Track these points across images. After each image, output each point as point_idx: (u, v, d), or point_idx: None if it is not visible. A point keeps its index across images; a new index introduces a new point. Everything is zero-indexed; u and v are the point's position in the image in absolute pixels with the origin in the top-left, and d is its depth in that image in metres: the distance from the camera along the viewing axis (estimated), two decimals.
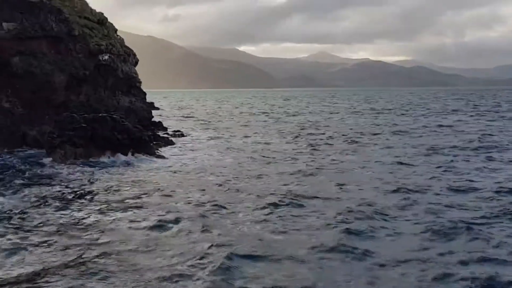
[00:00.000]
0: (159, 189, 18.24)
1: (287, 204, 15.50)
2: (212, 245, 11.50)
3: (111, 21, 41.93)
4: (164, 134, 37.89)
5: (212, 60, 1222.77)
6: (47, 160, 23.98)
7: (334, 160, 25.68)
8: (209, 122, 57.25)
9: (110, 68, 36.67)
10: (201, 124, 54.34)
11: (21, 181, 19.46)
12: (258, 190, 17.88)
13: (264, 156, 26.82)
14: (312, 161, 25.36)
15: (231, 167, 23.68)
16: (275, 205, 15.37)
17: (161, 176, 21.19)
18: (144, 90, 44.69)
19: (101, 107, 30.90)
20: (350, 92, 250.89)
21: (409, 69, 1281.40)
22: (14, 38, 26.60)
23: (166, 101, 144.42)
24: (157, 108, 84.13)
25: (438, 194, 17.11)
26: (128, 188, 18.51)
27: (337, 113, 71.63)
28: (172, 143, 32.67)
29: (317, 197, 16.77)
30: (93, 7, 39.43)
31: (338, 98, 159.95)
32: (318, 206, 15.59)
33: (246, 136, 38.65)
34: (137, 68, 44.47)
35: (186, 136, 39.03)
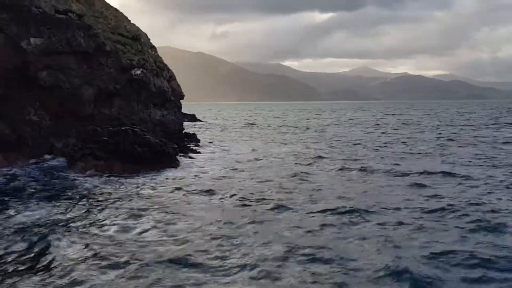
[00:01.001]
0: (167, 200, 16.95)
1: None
2: None
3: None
4: (194, 145, 36.72)
5: (259, 74, 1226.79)
6: (68, 172, 22.96)
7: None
8: (242, 132, 55.93)
9: (142, 82, 35.83)
10: (235, 134, 53.04)
11: (42, 193, 18.40)
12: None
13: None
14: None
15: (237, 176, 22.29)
16: None
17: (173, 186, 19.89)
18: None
19: (131, 120, 30.01)
20: (405, 105, 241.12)
21: (447, 83, 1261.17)
22: (42, 53, 25.83)
23: (211, 112, 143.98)
24: (199, 120, 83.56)
25: None
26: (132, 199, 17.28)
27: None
28: (196, 152, 31.62)
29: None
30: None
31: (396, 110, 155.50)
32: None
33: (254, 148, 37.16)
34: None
35: (214, 146, 37.56)
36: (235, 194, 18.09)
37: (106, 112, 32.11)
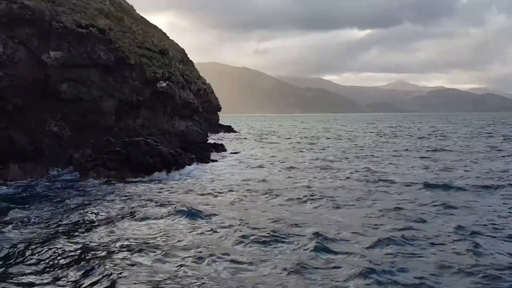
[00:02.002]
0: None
1: None
2: None
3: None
4: (219, 154, 35.60)
5: (299, 88, 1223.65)
6: (81, 182, 22.06)
7: None
8: (268, 141, 54.43)
9: (167, 95, 35.02)
10: (259, 143, 51.62)
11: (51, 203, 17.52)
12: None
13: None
14: None
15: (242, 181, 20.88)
16: None
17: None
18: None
19: (150, 131, 29.04)
20: (444, 117, 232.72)
21: (481, 96, 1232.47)
22: (62, 66, 25.17)
23: (250, 124, 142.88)
24: (235, 131, 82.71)
25: None
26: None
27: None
28: (214, 161, 30.60)
29: None
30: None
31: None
32: None
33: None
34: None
35: (234, 156, 36.22)
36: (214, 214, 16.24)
37: (130, 124, 31.37)
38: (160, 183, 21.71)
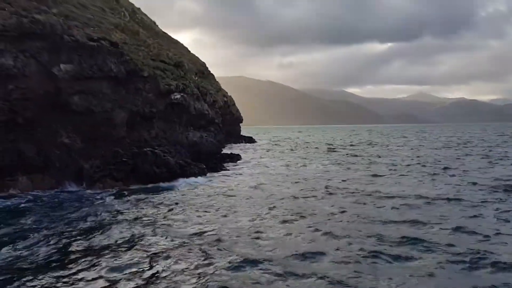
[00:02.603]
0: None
1: None
2: None
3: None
4: (233, 164, 34.71)
5: (323, 100, 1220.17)
6: (87, 193, 21.39)
7: None
8: (284, 152, 53.17)
9: (182, 106, 34.37)
10: (274, 153, 50.38)
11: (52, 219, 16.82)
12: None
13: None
14: None
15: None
16: None
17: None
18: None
19: (160, 142, 28.29)
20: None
21: (501, 106, 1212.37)
22: (73, 79, 24.64)
23: (272, 134, 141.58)
24: (255, 141, 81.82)
25: None
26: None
27: None
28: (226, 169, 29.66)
29: None
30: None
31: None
32: None
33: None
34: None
35: (247, 166, 35.13)
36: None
37: (144, 135, 30.74)
38: (158, 193, 20.80)
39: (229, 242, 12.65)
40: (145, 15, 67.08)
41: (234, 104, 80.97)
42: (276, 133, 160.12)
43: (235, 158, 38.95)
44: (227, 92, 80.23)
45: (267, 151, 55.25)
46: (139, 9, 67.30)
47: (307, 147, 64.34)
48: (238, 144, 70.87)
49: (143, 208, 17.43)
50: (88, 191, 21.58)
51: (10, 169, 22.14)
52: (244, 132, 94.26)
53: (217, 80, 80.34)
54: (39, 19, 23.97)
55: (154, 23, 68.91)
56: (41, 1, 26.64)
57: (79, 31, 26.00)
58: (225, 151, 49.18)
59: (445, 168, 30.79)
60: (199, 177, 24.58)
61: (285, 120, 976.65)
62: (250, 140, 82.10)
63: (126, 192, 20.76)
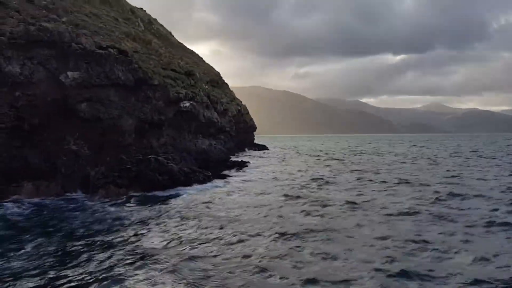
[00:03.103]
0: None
1: None
2: None
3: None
4: (240, 171, 33.92)
5: (338, 110, 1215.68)
6: (89, 202, 20.66)
7: None
8: (293, 160, 52.12)
9: (191, 114, 33.69)
10: (282, 162, 49.30)
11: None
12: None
13: None
14: None
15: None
16: None
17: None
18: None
19: (166, 148, 27.58)
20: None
21: None
22: (80, 86, 24.09)
23: (286, 143, 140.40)
24: (267, 149, 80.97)
25: None
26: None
27: None
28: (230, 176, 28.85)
29: None
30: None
31: None
32: None
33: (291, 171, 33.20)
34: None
35: (253, 173, 34.21)
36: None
37: (153, 142, 30.10)
38: (158, 203, 19.94)
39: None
40: (162, 26, 66.90)
41: (248, 113, 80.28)
42: (289, 142, 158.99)
43: (243, 165, 38.26)
44: (241, 101, 79.59)
45: (275, 159, 54.31)
46: (155, 20, 67.16)
47: (311, 156, 63.23)
48: (251, 152, 70.09)
49: (135, 222, 16.45)
50: (89, 202, 20.62)
51: (16, 175, 21.58)
52: (261, 140, 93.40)
53: (234, 89, 79.85)
54: (47, 27, 23.51)
55: (170, 33, 68.70)
56: (51, 10, 26.28)
57: (87, 39, 25.48)
58: (236, 158, 48.50)
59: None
60: (204, 184, 23.80)
61: (300, 129, 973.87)
62: (263, 147, 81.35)
63: (125, 201, 19.97)
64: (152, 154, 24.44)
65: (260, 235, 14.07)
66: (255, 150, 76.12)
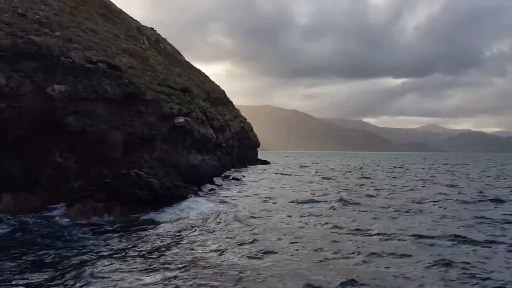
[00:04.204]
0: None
1: None
2: None
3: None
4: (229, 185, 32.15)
5: (343, 128, 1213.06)
6: (62, 219, 18.69)
7: None
8: (290, 176, 50.13)
9: (185, 130, 31.91)
10: (279, 176, 47.39)
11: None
12: None
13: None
14: None
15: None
16: None
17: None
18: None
19: (153, 163, 25.76)
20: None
21: (505, 138, 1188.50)
22: (67, 99, 22.47)
23: (291, 159, 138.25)
24: (268, 163, 79.24)
25: None
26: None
27: None
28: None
29: None
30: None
31: None
32: None
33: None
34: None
35: (247, 188, 32.51)
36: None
37: (145, 156, 28.34)
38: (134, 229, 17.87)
39: None
40: (170, 45, 65.66)
41: (252, 130, 78.55)
42: (293, 158, 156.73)
43: (236, 180, 36.59)
44: (245, 119, 78.00)
45: (271, 174, 52.40)
46: (164, 39, 65.93)
47: (307, 172, 61.18)
48: (252, 167, 68.28)
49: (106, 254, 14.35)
50: (62, 221, 18.41)
51: None
52: (269, 155, 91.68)
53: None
54: (35, 40, 21.99)
55: (178, 52, 67.41)
56: (43, 24, 24.74)
57: (77, 53, 23.92)
58: (235, 173, 46.74)
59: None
60: (181, 203, 21.73)
61: (307, 146, 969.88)
62: (265, 163, 79.63)
63: (99, 225, 17.86)
64: (137, 169, 22.63)
65: None
66: (256, 165, 74.32)
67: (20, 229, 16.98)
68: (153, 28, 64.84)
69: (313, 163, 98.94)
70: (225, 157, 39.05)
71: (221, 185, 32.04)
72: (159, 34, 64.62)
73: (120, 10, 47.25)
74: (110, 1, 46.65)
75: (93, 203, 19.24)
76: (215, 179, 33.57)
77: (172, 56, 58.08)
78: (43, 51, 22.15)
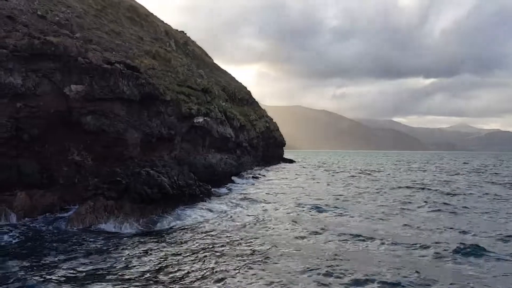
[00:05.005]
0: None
1: None
2: None
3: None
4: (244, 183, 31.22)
5: (372, 128, 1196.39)
6: (63, 224, 17.97)
7: None
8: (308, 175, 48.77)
9: (205, 129, 31.21)
10: (297, 175, 46.16)
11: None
12: None
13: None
14: None
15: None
16: None
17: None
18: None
19: (168, 162, 25.12)
20: None
21: None
22: (84, 99, 21.96)
23: (318, 158, 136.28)
24: (293, 162, 78.14)
25: None
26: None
27: None
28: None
29: None
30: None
31: None
32: None
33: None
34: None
35: (261, 187, 31.45)
36: None
37: (164, 156, 27.78)
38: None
39: None
40: (198, 47, 65.34)
41: (277, 130, 77.46)
42: (321, 157, 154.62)
43: (255, 178, 35.73)
44: (272, 119, 76.96)
45: (288, 173, 51.13)
46: (194, 42, 65.65)
47: (326, 171, 59.64)
48: (277, 165, 67.29)
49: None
50: (71, 227, 17.52)
51: (9, 185, 19.53)
52: (300, 154, 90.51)
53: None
54: (52, 40, 21.49)
55: (206, 54, 67.01)
56: (63, 26, 24.33)
57: (95, 54, 23.37)
58: (258, 171, 45.85)
59: None
60: (193, 207, 20.86)
61: (338, 145, 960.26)
62: (290, 161, 78.68)
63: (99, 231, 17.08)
64: (153, 167, 21.94)
65: None
66: (280, 164, 73.35)
67: (28, 236, 16.17)
68: (183, 32, 64.62)
69: (332, 163, 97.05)
70: (245, 156, 38.13)
71: (238, 184, 31.18)
72: (188, 37, 64.33)
73: (148, 13, 46.95)
74: (139, 5, 46.44)
75: (105, 200, 18.61)
76: (234, 177, 32.73)
77: (200, 58, 57.63)
78: (60, 52, 21.64)
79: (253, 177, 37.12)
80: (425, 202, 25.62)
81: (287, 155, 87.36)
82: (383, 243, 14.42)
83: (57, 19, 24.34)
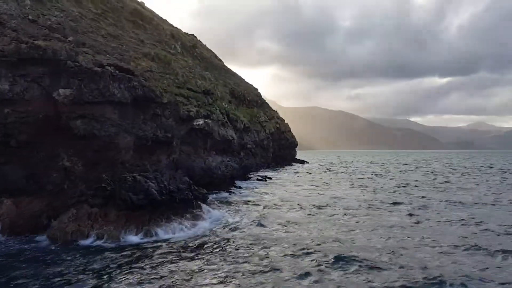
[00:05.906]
0: None
1: None
2: None
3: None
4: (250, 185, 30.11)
5: (389, 128, 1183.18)
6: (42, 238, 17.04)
7: None
8: (316, 176, 47.36)
9: (205, 132, 30.20)
10: (307, 176, 44.78)
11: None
12: None
13: None
14: None
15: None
16: None
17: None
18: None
19: (160, 167, 24.17)
20: None
21: None
22: (73, 103, 21.10)
23: (330, 158, 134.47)
24: (305, 162, 76.83)
25: None
26: None
27: None
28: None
29: None
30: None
31: None
32: None
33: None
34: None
35: (264, 189, 30.39)
36: None
37: (162, 159, 26.90)
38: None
39: None
40: (208, 49, 64.54)
41: (289, 131, 76.24)
42: (335, 157, 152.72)
43: (261, 180, 34.58)
44: (283, 120, 75.80)
45: (295, 175, 49.79)
46: (203, 45, 64.89)
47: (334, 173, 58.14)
48: (288, 167, 66.02)
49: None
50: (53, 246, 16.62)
51: None
52: (316, 154, 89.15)
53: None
54: (39, 44, 20.69)
55: (215, 56, 66.13)
56: (55, 30, 23.55)
57: (85, 57, 22.53)
58: (265, 173, 44.68)
59: None
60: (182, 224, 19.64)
61: (354, 145, 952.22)
62: (302, 162, 77.44)
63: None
64: (143, 172, 21.00)
65: None
66: (291, 165, 72.06)
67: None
68: (193, 35, 63.90)
69: (339, 163, 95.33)
70: (250, 158, 37.04)
71: (241, 187, 30.09)
72: (198, 40, 63.61)
73: (153, 17, 46.22)
74: (143, 9, 45.74)
75: (89, 208, 17.69)
76: (238, 180, 31.68)
77: (208, 61, 56.73)
78: (49, 56, 20.82)
79: (258, 179, 35.98)
80: None
81: (304, 155, 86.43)
82: None
83: (48, 23, 23.57)
